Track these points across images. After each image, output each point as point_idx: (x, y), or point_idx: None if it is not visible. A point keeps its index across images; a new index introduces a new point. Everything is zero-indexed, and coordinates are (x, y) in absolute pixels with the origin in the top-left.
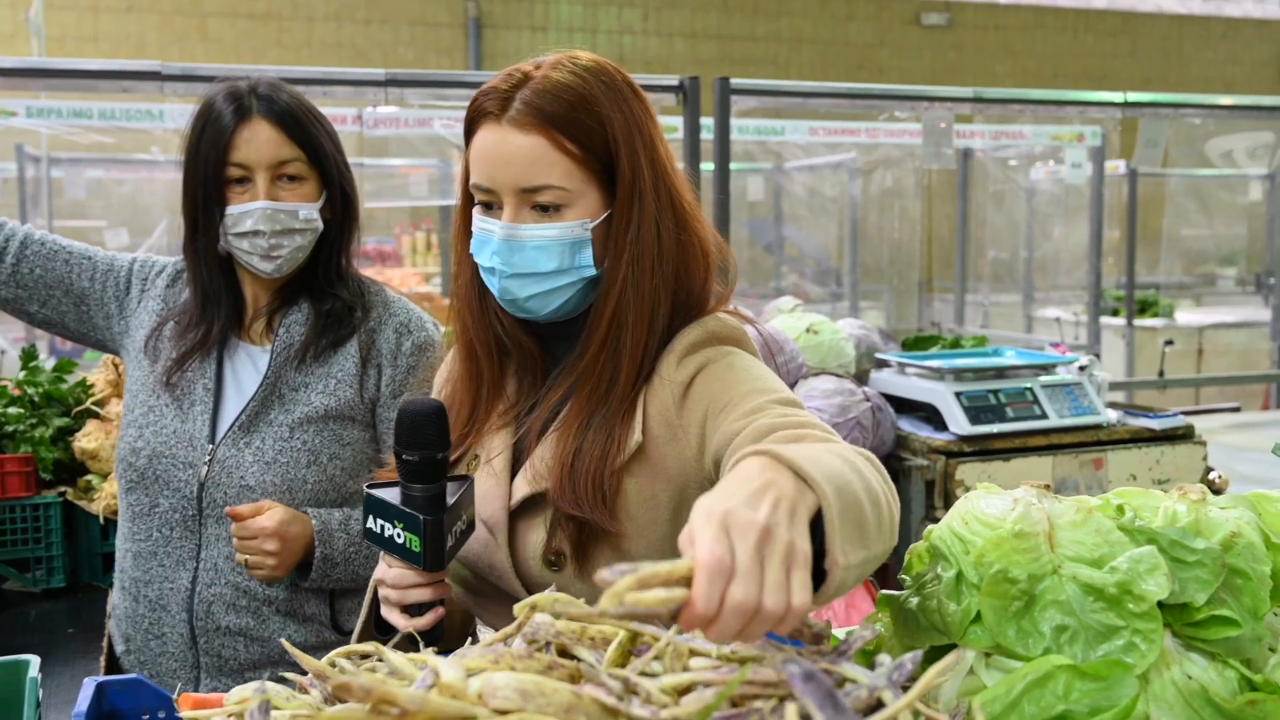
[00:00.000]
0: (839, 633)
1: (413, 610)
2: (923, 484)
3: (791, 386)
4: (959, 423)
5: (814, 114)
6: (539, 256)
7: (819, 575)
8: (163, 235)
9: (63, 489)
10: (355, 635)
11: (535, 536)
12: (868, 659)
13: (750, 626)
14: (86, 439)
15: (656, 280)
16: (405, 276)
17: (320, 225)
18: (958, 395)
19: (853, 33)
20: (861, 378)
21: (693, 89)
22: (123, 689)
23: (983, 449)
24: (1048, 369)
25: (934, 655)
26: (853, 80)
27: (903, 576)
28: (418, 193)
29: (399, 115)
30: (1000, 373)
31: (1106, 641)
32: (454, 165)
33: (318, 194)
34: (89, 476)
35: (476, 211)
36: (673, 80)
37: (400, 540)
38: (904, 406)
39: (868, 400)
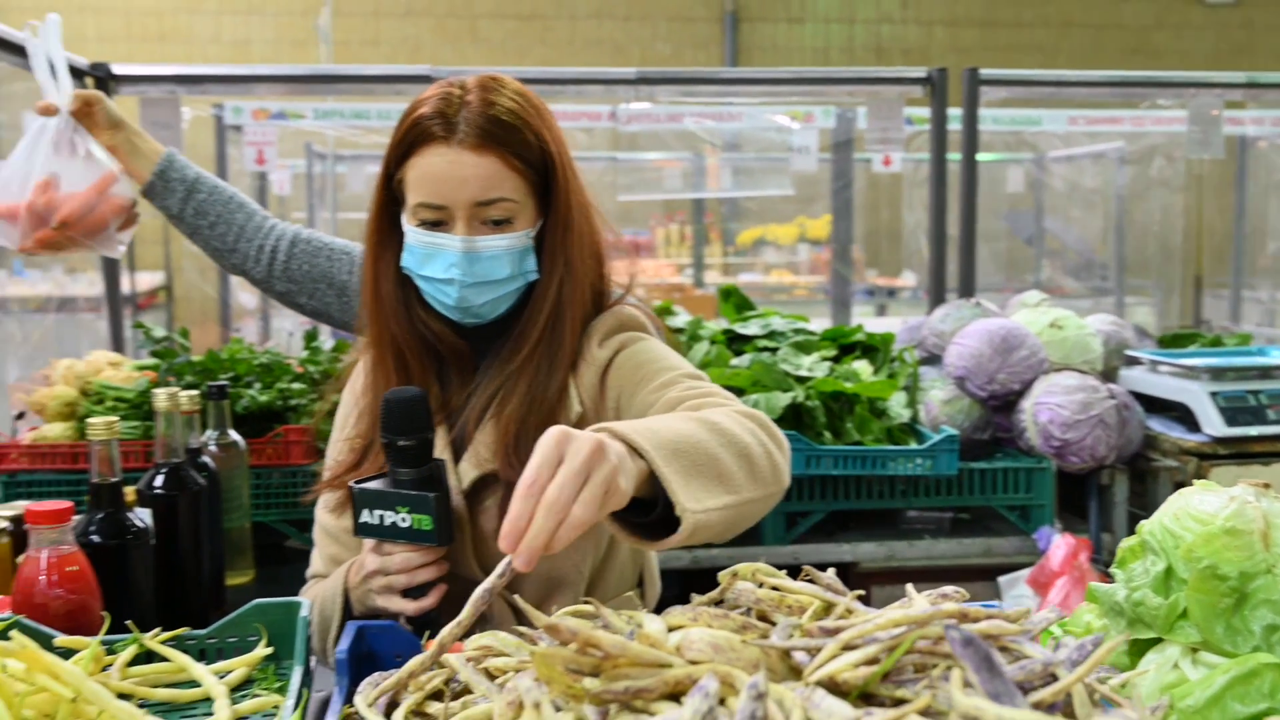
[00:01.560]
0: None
1: (414, 593)
2: (1171, 486)
3: (1030, 382)
4: (1213, 424)
5: (1074, 103)
6: (494, 266)
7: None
8: None
9: None
10: (331, 639)
11: (486, 517)
12: None
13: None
14: None
15: (585, 277)
16: (659, 267)
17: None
18: (1213, 395)
19: (1127, 14)
20: (1110, 375)
21: (940, 80)
22: (380, 633)
23: (1239, 452)
24: None
25: (1140, 649)
26: (1127, 66)
27: (1114, 570)
28: (671, 186)
29: (651, 111)
30: (1264, 373)
31: None
32: (706, 159)
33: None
34: None
35: (419, 228)
36: (920, 72)
37: (405, 524)
38: (1155, 406)
39: (1113, 398)
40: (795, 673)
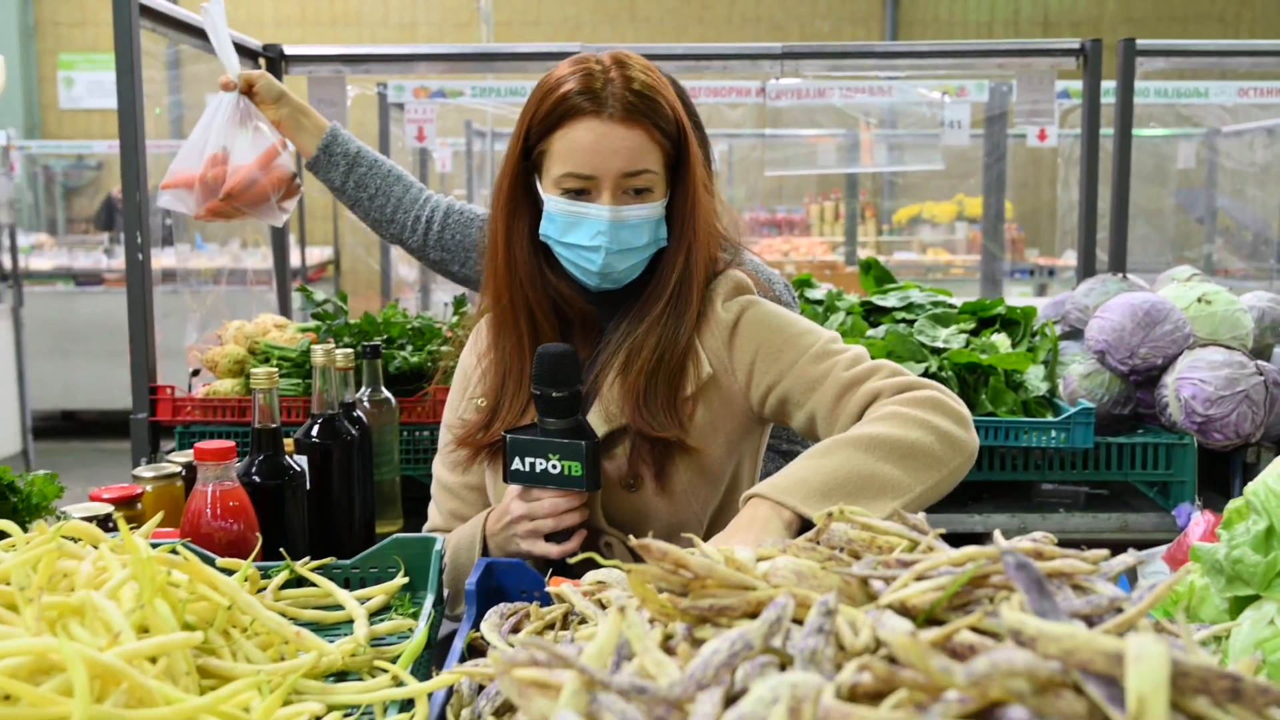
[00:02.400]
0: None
1: (558, 537)
2: None
3: (1174, 357)
4: None
5: (1244, 74)
6: (636, 234)
7: None
8: None
9: None
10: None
11: (613, 466)
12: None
13: None
14: None
15: (706, 244)
16: (811, 245)
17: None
18: None
19: None
20: (1263, 353)
21: (1094, 51)
22: (507, 569)
23: None
24: None
25: (1238, 606)
26: None
27: (1220, 531)
28: (825, 161)
29: (800, 86)
30: None
31: None
32: (860, 134)
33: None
34: None
35: (562, 198)
36: (1074, 43)
37: (556, 470)
38: None
39: (1260, 375)
40: (871, 597)
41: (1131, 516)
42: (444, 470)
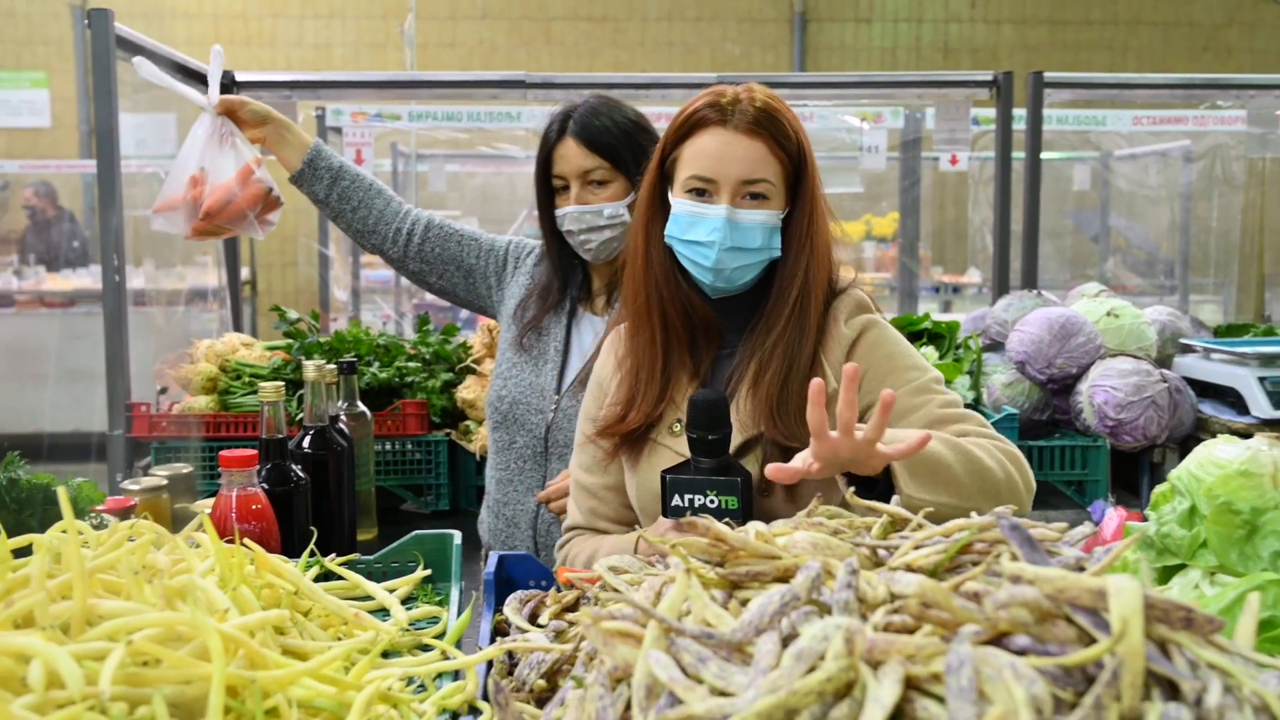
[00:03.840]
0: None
1: None
2: None
3: (1087, 366)
4: (1260, 406)
5: (1139, 104)
6: (749, 235)
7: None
8: (524, 223)
9: (448, 430)
10: None
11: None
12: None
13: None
14: (466, 390)
15: (824, 262)
16: None
17: (628, 218)
18: (1261, 380)
19: (1198, 12)
20: (1165, 362)
21: (1006, 84)
22: (516, 562)
23: None
24: None
25: (1167, 575)
26: (1197, 64)
27: (1149, 511)
28: None
29: None
30: None
31: None
32: None
33: (624, 193)
34: (468, 421)
35: (686, 198)
36: (986, 76)
37: (715, 505)
38: (1207, 391)
39: (1164, 382)
40: (875, 563)
41: (1051, 513)
42: (580, 472)
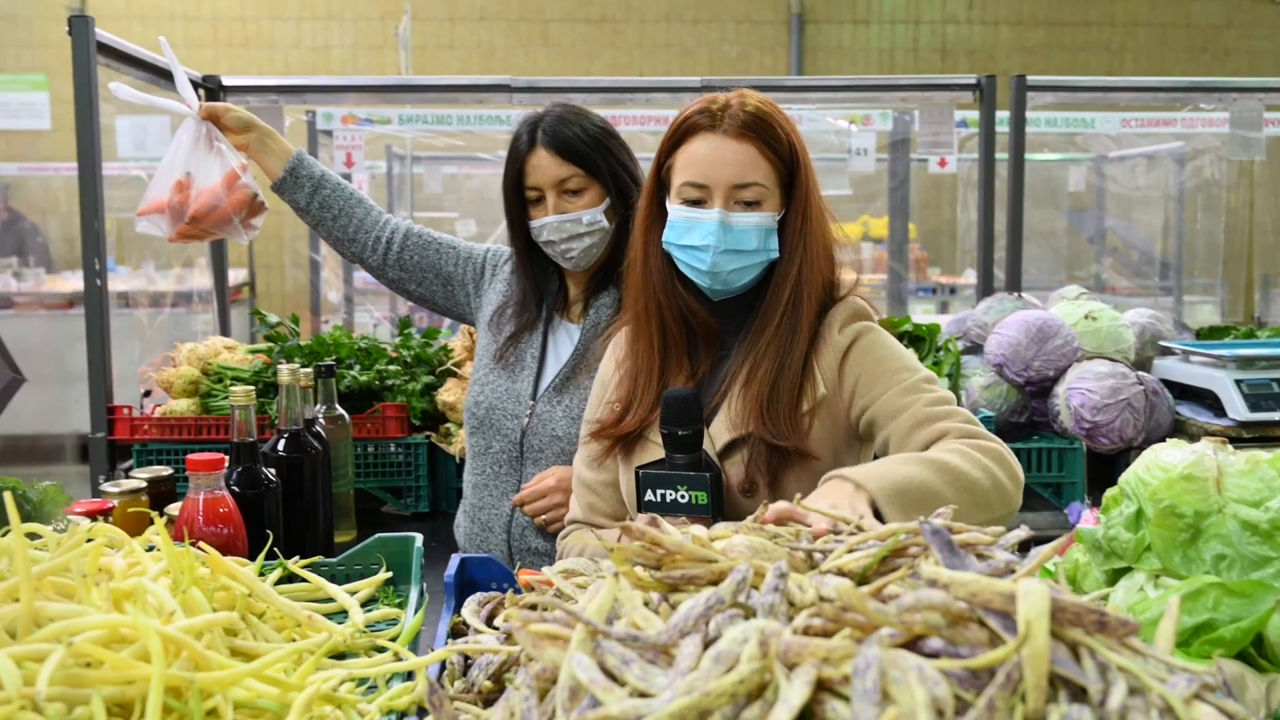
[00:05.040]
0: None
1: None
2: None
3: (1064, 369)
4: (1237, 409)
5: (1128, 106)
6: (743, 238)
7: None
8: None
9: (428, 433)
10: None
11: (733, 471)
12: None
13: None
14: (446, 393)
15: (820, 264)
16: None
17: (606, 224)
18: (1238, 383)
19: (1195, 13)
20: (1144, 364)
21: (989, 87)
22: (479, 564)
23: (1262, 435)
24: None
25: (1114, 578)
26: (1195, 65)
27: (1100, 515)
28: None
29: None
30: None
31: (1259, 569)
32: None
33: (599, 199)
34: (448, 424)
35: (681, 205)
36: (970, 79)
37: (685, 500)
38: (1186, 393)
39: (1141, 384)
40: (811, 566)
41: (1029, 515)
42: (583, 467)
